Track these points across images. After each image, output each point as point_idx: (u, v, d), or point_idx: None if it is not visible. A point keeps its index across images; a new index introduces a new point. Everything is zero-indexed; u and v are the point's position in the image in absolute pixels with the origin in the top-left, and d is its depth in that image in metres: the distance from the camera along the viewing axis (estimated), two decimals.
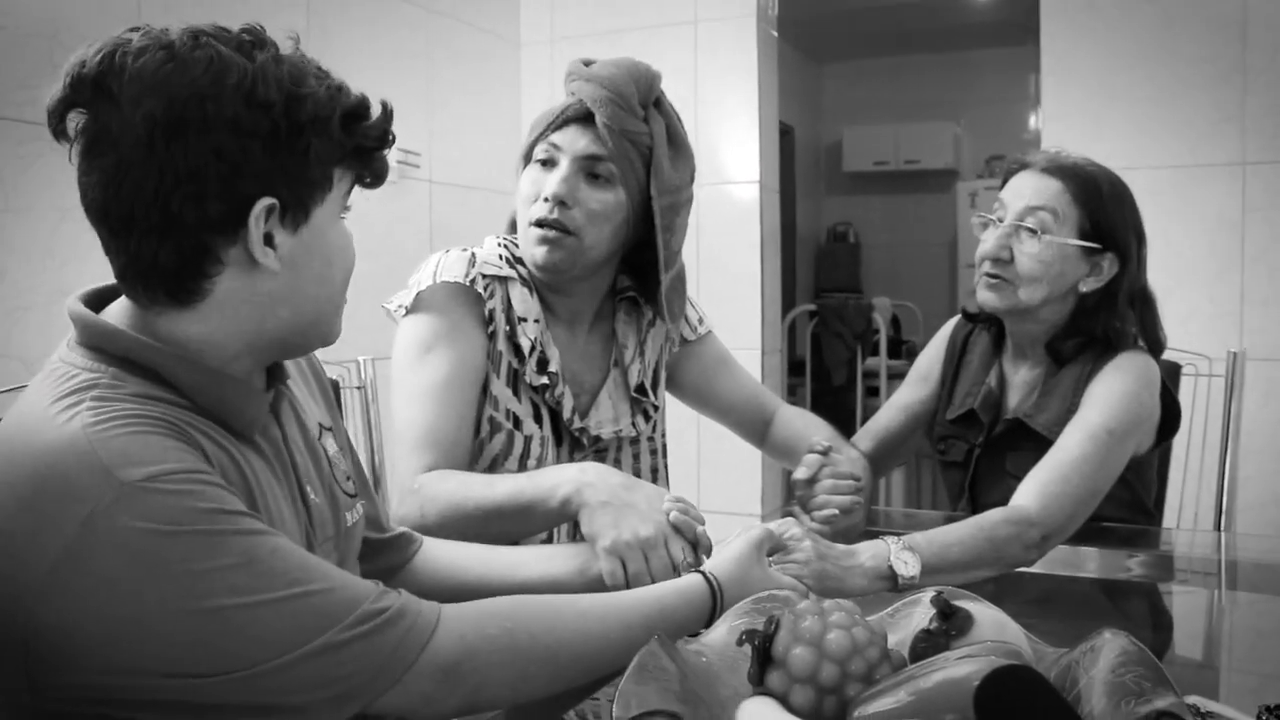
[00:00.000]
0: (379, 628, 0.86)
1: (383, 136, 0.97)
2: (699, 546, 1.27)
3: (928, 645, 0.86)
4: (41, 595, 0.77)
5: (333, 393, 1.21)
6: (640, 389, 1.65)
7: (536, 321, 1.54)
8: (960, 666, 0.76)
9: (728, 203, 3.36)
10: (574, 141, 1.50)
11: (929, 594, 0.94)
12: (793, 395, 5.00)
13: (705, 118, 3.31)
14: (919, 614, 0.96)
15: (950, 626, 0.86)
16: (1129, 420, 1.56)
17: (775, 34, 3.46)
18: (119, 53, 0.85)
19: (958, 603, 0.89)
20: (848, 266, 6.94)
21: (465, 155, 3.29)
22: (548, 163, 1.52)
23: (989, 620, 0.88)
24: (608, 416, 1.62)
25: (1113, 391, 1.57)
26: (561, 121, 1.52)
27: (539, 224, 1.49)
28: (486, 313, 1.52)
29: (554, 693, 0.97)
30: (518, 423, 1.53)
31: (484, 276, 1.53)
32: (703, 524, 1.29)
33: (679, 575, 1.16)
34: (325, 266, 0.96)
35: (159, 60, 0.84)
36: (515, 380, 1.54)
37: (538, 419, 1.55)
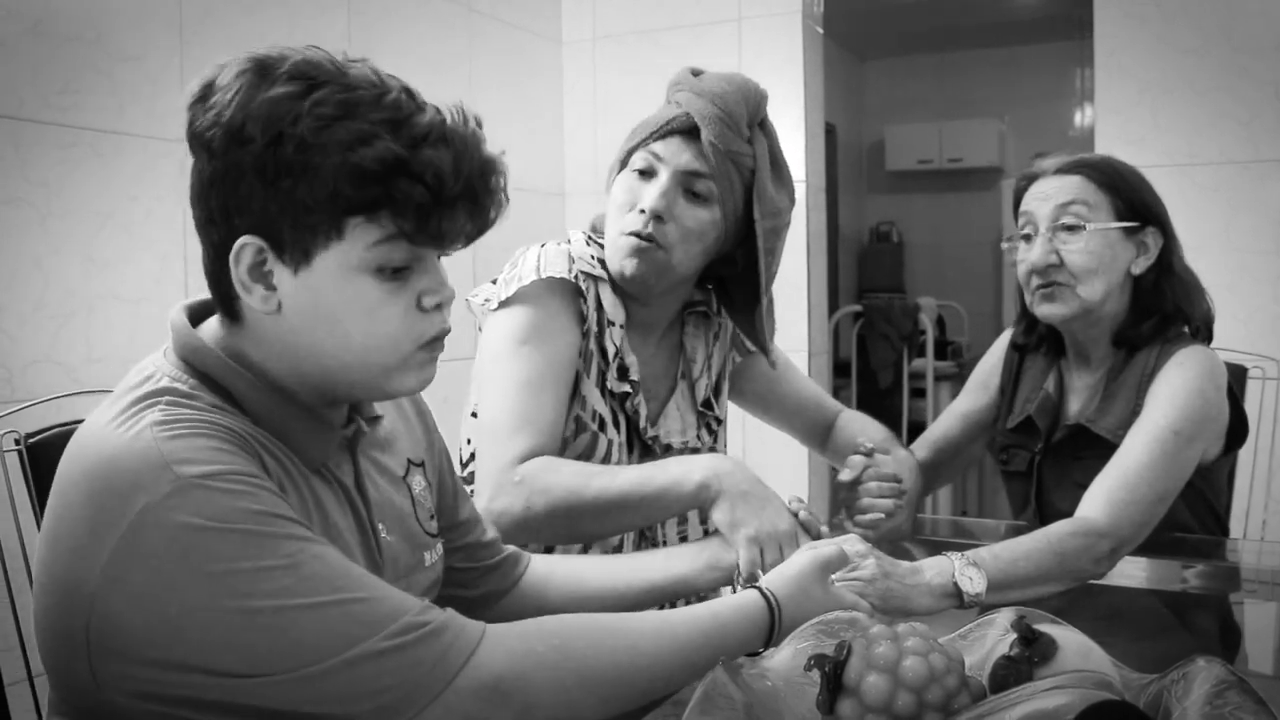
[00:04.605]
0: (420, 639, 0.84)
1: (427, 195, 0.87)
2: None
3: (1009, 673, 0.81)
4: (100, 585, 0.79)
5: (433, 423, 1.20)
6: (706, 403, 1.63)
7: (621, 327, 1.51)
8: (1050, 698, 0.71)
9: None
10: (677, 155, 1.45)
11: (1004, 614, 0.89)
12: (838, 397, 4.91)
13: None
14: (993, 635, 0.91)
15: (1033, 653, 0.81)
16: (1196, 419, 1.51)
17: (820, 30, 3.40)
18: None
19: (1039, 626, 0.84)
20: (891, 266, 6.86)
21: (507, 155, 3.26)
22: (646, 172, 1.47)
23: (1073, 645, 0.83)
24: (675, 427, 1.59)
25: (1176, 390, 1.52)
26: (665, 132, 1.46)
27: (633, 234, 1.45)
28: (583, 309, 1.49)
29: (609, 714, 0.93)
30: (603, 425, 1.49)
31: (583, 274, 1.49)
32: (825, 527, 1.31)
33: None
34: (334, 318, 0.90)
35: (203, 81, 0.89)
36: (602, 382, 1.51)
37: (615, 423, 1.52)
